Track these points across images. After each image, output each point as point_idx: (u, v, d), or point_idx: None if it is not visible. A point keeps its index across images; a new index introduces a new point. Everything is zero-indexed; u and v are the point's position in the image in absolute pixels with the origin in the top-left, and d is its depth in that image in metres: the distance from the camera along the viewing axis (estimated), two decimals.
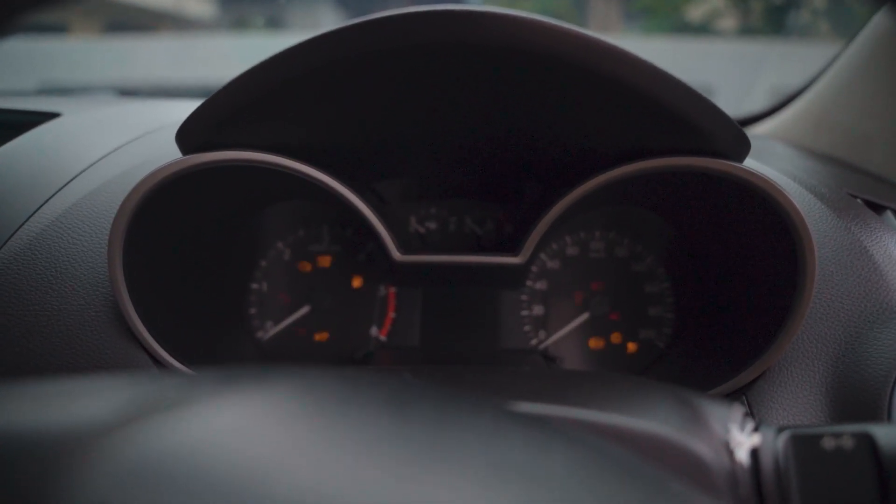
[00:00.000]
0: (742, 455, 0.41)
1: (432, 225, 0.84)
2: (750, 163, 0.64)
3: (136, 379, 0.29)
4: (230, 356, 0.77)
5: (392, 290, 0.84)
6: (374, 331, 0.83)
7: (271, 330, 0.84)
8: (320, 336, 0.84)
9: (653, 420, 0.41)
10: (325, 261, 0.85)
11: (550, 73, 0.54)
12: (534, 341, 0.82)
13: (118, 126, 0.85)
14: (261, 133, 0.62)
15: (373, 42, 0.51)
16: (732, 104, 1.24)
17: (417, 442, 0.25)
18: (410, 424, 0.26)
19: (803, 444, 0.40)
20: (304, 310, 0.83)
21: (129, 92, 1.51)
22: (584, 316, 0.82)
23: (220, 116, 0.59)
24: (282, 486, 0.21)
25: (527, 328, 0.83)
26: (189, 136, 0.61)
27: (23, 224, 0.68)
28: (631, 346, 0.82)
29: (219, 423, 0.24)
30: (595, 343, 0.82)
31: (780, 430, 0.42)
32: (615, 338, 0.82)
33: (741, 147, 0.60)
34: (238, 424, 0.24)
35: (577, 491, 0.25)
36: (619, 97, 0.55)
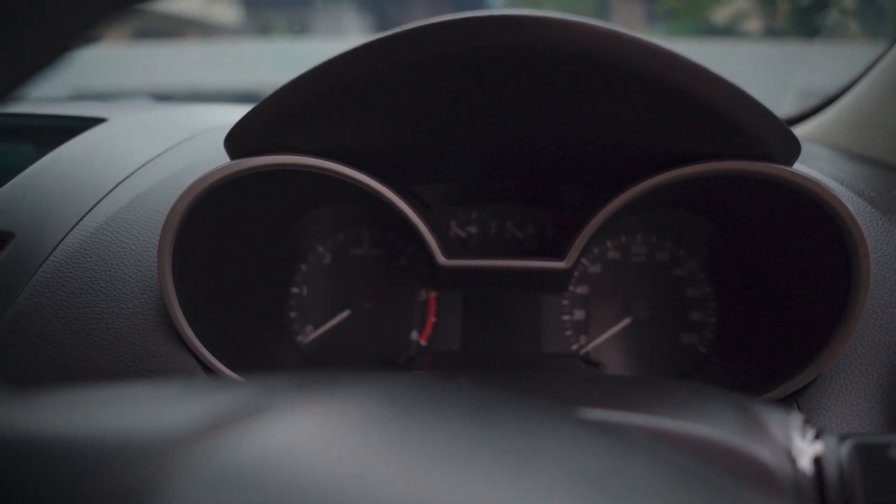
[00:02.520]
0: (805, 463, 0.40)
1: (473, 229, 0.84)
2: (795, 166, 0.64)
3: (218, 385, 0.30)
4: (271, 360, 0.78)
5: (433, 294, 0.84)
6: (414, 335, 0.83)
7: (311, 334, 0.84)
8: (360, 340, 0.84)
9: (716, 427, 0.41)
10: (365, 264, 0.85)
11: (598, 77, 0.53)
12: (575, 346, 0.82)
13: (162, 130, 0.86)
14: (307, 137, 0.62)
15: (421, 48, 0.51)
16: None
17: (502, 450, 0.25)
18: (492, 432, 0.26)
19: (869, 453, 0.39)
20: (345, 314, 0.84)
21: (163, 97, 1.53)
22: (626, 321, 0.82)
23: (269, 122, 0.59)
24: (370, 495, 0.21)
25: (568, 332, 0.82)
26: (238, 140, 0.61)
27: (73, 228, 0.70)
28: (673, 351, 0.81)
29: (303, 430, 0.24)
30: (636, 347, 0.82)
31: (843, 438, 0.41)
32: (657, 342, 0.81)
33: (791, 150, 0.59)
34: (323, 432, 0.24)
35: (662, 499, 0.25)
36: (666, 99, 0.55)
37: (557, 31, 0.49)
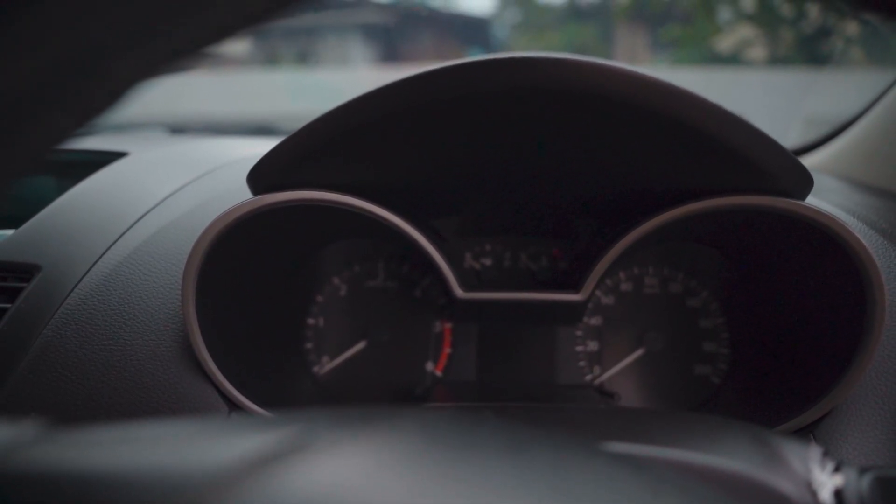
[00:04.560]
0: (826, 496, 0.41)
1: (487, 261, 0.85)
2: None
3: (256, 423, 0.30)
4: (287, 391, 0.79)
5: (448, 325, 0.85)
6: (429, 366, 0.84)
7: (327, 365, 0.85)
8: (376, 371, 0.85)
9: (736, 459, 0.41)
10: (380, 296, 0.86)
11: (616, 116, 0.55)
12: (589, 377, 0.83)
13: (182, 164, 0.88)
14: (328, 173, 0.64)
15: (446, 89, 0.53)
16: None
17: (538, 485, 0.26)
18: (528, 468, 0.27)
19: (890, 486, 0.40)
20: (360, 345, 0.85)
21: (178, 128, 1.56)
22: (639, 352, 0.82)
23: (292, 159, 0.61)
24: None
25: (582, 363, 0.83)
26: (260, 176, 0.63)
27: (97, 260, 0.71)
28: (686, 382, 0.81)
29: (344, 467, 0.25)
30: (650, 378, 0.82)
31: (863, 470, 0.41)
32: (670, 373, 0.82)
33: (804, 185, 0.60)
34: (363, 469, 0.25)
35: None
36: (681, 137, 0.56)
37: (579, 72, 0.51)
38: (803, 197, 0.61)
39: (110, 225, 0.75)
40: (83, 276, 0.70)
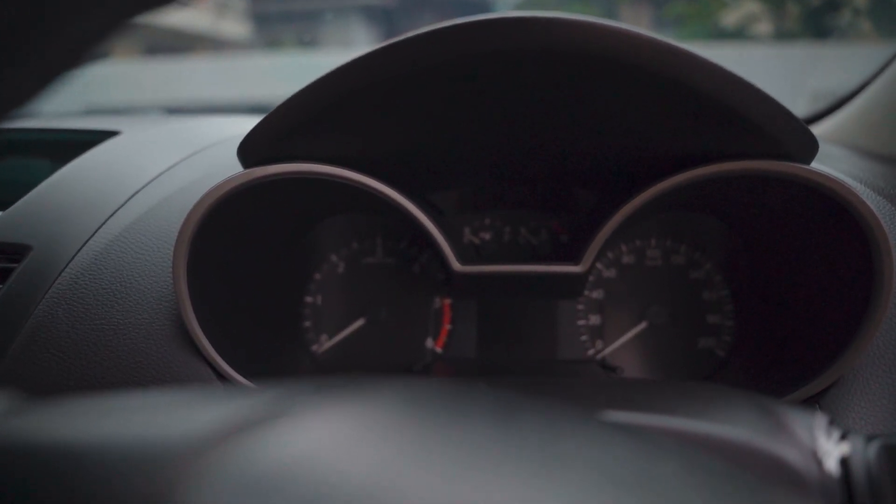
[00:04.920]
0: (832, 464, 0.40)
1: (487, 235, 0.84)
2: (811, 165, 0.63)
3: (235, 391, 0.29)
4: (286, 369, 0.78)
5: (447, 301, 0.83)
6: (429, 343, 0.83)
7: (326, 343, 0.84)
8: (375, 348, 0.84)
9: (740, 428, 0.40)
10: (379, 273, 0.85)
11: (611, 76, 0.53)
12: (591, 351, 0.81)
13: (175, 142, 0.87)
14: (321, 145, 0.62)
15: (443, 50, 0.51)
16: None
17: (529, 454, 0.24)
18: (519, 437, 0.26)
19: None
20: (359, 322, 0.84)
21: (175, 111, 1.54)
22: (642, 325, 0.81)
23: (282, 130, 0.59)
24: (394, 498, 0.20)
25: (584, 338, 0.82)
26: (251, 149, 0.62)
27: (89, 239, 0.70)
28: (690, 355, 0.80)
29: (324, 435, 0.24)
30: (653, 352, 0.81)
31: (870, 438, 0.40)
32: (673, 347, 0.81)
33: (809, 148, 0.58)
34: (344, 437, 0.24)
35: (695, 499, 0.24)
36: (683, 99, 0.54)
37: (582, 32, 0.49)
38: (808, 161, 0.60)
39: (102, 204, 0.74)
40: (74, 255, 0.69)
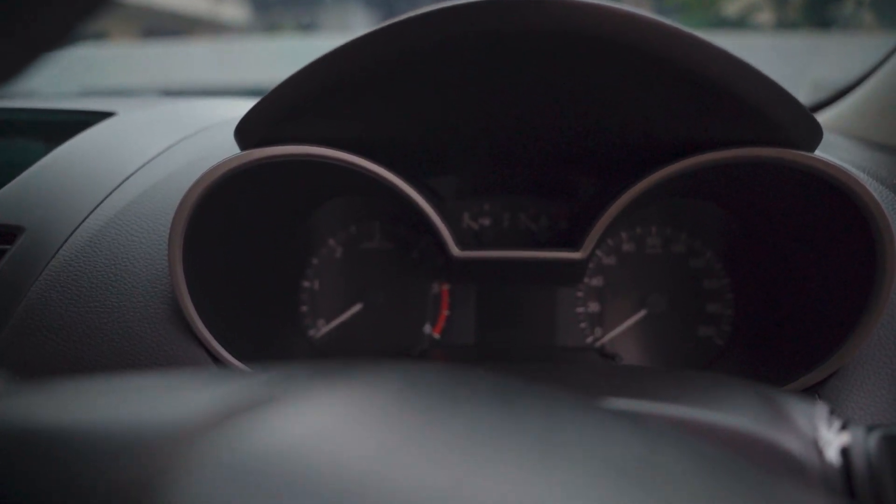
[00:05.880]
0: (832, 454, 0.39)
1: (486, 221, 0.83)
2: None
3: (229, 374, 0.29)
4: (283, 354, 0.77)
5: (445, 287, 0.83)
6: (427, 328, 0.83)
7: (323, 328, 0.83)
8: (373, 334, 0.83)
9: (740, 417, 0.40)
10: (377, 258, 0.84)
11: (618, 60, 0.52)
12: (590, 338, 0.81)
13: (171, 124, 0.86)
14: (319, 128, 0.61)
15: (440, 30, 0.50)
16: None
17: (526, 440, 0.24)
18: (516, 422, 0.25)
19: None
20: (356, 308, 0.83)
21: (173, 94, 1.53)
22: (641, 313, 0.80)
23: (280, 111, 0.58)
24: (390, 484, 0.20)
25: (583, 325, 0.81)
26: (248, 131, 0.61)
27: (82, 221, 0.69)
28: (689, 344, 0.80)
29: (319, 418, 0.23)
30: (652, 340, 0.80)
31: (871, 428, 0.40)
32: (673, 335, 0.80)
33: (813, 136, 0.58)
34: (339, 419, 0.24)
35: (691, 487, 0.24)
36: (685, 83, 0.53)
37: (580, 13, 0.48)
38: (812, 149, 0.59)
39: (96, 185, 0.73)
40: (68, 237, 0.68)
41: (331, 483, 0.20)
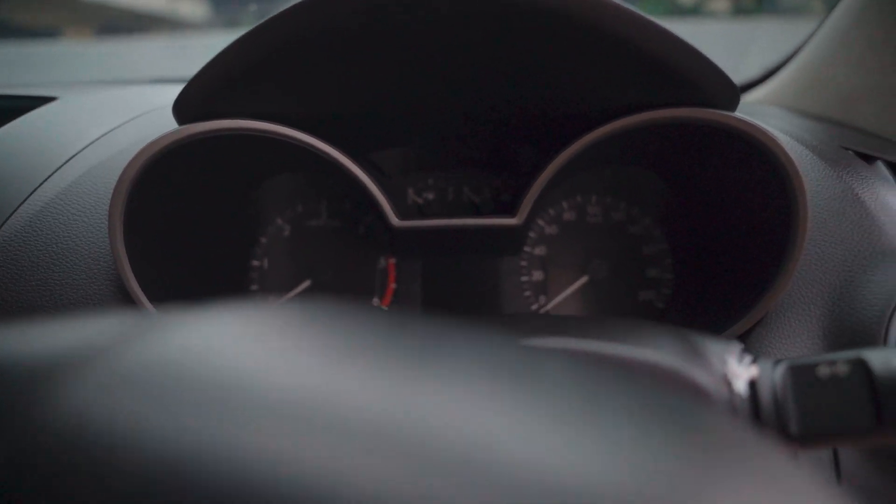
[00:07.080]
0: (740, 386, 0.42)
1: (430, 195, 0.85)
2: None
3: (134, 313, 0.29)
4: None
5: (392, 261, 0.84)
6: (375, 302, 0.84)
7: None
8: None
9: (655, 352, 0.42)
10: (324, 235, 0.85)
11: (538, 28, 0.54)
12: (534, 306, 0.83)
13: (116, 108, 0.86)
14: (257, 103, 0.62)
15: (363, 3, 0.51)
16: None
17: (412, 355, 0.25)
18: (409, 340, 0.26)
19: (799, 374, 0.40)
20: (305, 284, 0.84)
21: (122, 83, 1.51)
22: (584, 279, 0.83)
23: (215, 85, 0.59)
24: (275, 390, 0.20)
25: (527, 293, 0.83)
26: (185, 107, 0.61)
27: (21, 203, 0.69)
28: (631, 308, 0.82)
29: (206, 335, 0.24)
30: (595, 305, 0.83)
31: (777, 362, 0.42)
32: (615, 300, 0.83)
33: (731, 96, 0.60)
34: (228, 336, 0.24)
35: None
36: (607, 50, 0.56)
37: None
38: (732, 109, 0.62)
39: (35, 168, 0.73)
40: (6, 219, 0.68)
41: (216, 390, 0.20)
